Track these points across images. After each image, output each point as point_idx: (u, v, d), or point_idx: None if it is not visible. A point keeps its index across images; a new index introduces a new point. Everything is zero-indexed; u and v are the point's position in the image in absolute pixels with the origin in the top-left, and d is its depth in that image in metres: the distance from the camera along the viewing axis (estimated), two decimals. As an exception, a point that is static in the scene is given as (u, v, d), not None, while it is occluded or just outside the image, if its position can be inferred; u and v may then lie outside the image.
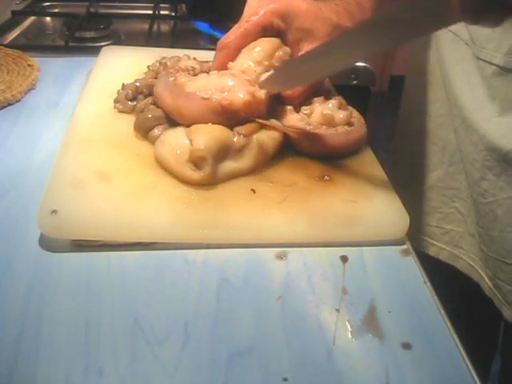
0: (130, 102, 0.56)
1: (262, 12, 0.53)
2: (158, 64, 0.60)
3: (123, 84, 0.58)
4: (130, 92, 0.56)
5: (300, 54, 0.55)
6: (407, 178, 0.72)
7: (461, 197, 0.67)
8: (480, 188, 0.62)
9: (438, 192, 0.68)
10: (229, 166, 0.48)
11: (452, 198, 0.68)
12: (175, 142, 0.48)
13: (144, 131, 0.52)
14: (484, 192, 0.62)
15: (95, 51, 0.71)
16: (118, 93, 0.57)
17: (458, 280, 0.68)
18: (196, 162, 0.47)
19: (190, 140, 0.48)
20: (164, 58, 0.59)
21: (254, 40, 0.54)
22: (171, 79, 0.52)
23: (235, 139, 0.49)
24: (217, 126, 0.49)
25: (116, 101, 0.57)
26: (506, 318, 0.63)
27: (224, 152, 0.48)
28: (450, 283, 0.64)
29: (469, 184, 0.65)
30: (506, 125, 0.59)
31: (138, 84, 0.57)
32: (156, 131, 0.52)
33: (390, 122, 0.66)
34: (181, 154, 0.47)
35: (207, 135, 0.47)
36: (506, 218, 0.60)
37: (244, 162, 0.49)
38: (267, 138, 0.50)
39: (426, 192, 0.69)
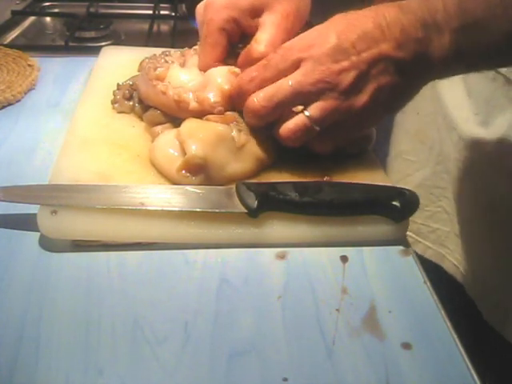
0: (126, 102, 0.56)
1: (211, 17, 0.52)
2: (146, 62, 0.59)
3: (118, 84, 0.58)
4: (127, 91, 0.56)
5: (262, 27, 0.52)
6: (399, 176, 0.73)
7: (447, 196, 0.67)
8: (459, 187, 0.63)
9: (426, 190, 0.69)
10: (230, 169, 0.48)
11: (439, 197, 0.68)
12: (167, 149, 0.48)
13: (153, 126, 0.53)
14: (463, 191, 0.63)
15: (95, 51, 0.71)
16: (114, 94, 0.57)
17: (445, 280, 0.69)
18: (191, 169, 0.46)
19: (181, 142, 0.47)
20: (154, 54, 0.59)
21: (223, 47, 0.53)
22: (152, 71, 0.53)
23: (235, 138, 0.48)
24: (211, 129, 0.48)
25: (113, 102, 0.57)
26: (485, 318, 0.63)
27: (223, 154, 0.47)
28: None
29: (450, 183, 0.65)
30: (480, 123, 0.59)
31: (130, 82, 0.57)
32: (157, 129, 0.52)
33: (386, 123, 0.67)
34: (173, 160, 0.47)
35: (202, 142, 0.46)
36: None
37: (245, 164, 0.49)
38: (266, 139, 0.50)
39: (414, 190, 0.70)
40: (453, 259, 0.68)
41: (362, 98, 0.45)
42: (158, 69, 0.53)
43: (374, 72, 0.45)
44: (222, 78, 0.51)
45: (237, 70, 0.51)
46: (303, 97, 0.46)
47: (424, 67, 0.45)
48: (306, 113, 0.46)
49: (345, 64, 0.44)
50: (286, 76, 0.46)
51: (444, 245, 0.69)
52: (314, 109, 0.46)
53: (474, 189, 0.62)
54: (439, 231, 0.69)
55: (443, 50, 0.44)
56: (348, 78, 0.44)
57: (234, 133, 0.48)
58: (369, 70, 0.45)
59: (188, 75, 0.53)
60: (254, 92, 0.47)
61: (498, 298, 0.62)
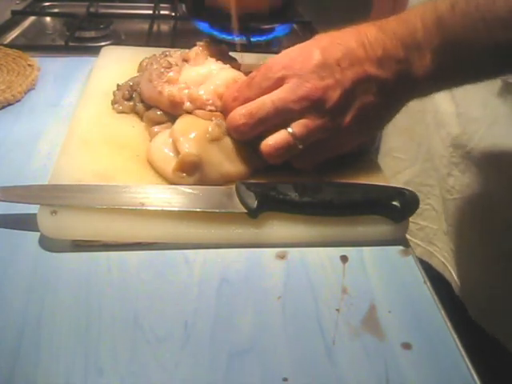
0: (126, 102, 0.56)
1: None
2: (146, 62, 0.59)
3: (118, 85, 0.58)
4: (127, 92, 0.56)
5: None
6: (389, 174, 0.74)
7: (435, 193, 0.67)
8: (447, 184, 0.63)
9: (414, 188, 0.69)
10: (225, 166, 0.48)
11: (427, 195, 0.69)
12: (163, 149, 0.48)
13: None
14: (451, 188, 0.63)
15: (95, 51, 0.71)
16: (114, 94, 0.57)
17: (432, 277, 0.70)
18: (186, 168, 0.46)
19: (174, 141, 0.47)
20: (154, 54, 0.59)
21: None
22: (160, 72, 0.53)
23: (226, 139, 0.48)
24: (204, 126, 0.48)
25: (113, 102, 0.57)
26: (471, 315, 0.63)
27: (216, 151, 0.47)
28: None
29: (438, 180, 0.65)
30: (465, 120, 0.59)
31: (131, 83, 0.57)
32: (156, 129, 0.52)
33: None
34: (169, 160, 0.47)
35: (194, 140, 0.47)
36: None
37: (239, 163, 0.49)
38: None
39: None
40: (441, 257, 0.68)
41: (347, 118, 0.45)
42: (170, 73, 0.52)
43: (358, 91, 0.45)
44: (220, 80, 0.51)
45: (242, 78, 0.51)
46: (286, 114, 0.45)
47: (406, 87, 0.45)
48: (289, 129, 0.45)
49: (330, 81, 0.44)
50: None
51: (432, 242, 0.69)
52: (298, 126, 0.45)
53: (460, 185, 0.63)
54: (427, 229, 0.70)
55: (425, 69, 0.44)
56: (334, 96, 0.44)
57: (212, 128, 0.48)
58: (353, 88, 0.44)
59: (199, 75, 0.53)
60: None
61: (483, 296, 0.62)
